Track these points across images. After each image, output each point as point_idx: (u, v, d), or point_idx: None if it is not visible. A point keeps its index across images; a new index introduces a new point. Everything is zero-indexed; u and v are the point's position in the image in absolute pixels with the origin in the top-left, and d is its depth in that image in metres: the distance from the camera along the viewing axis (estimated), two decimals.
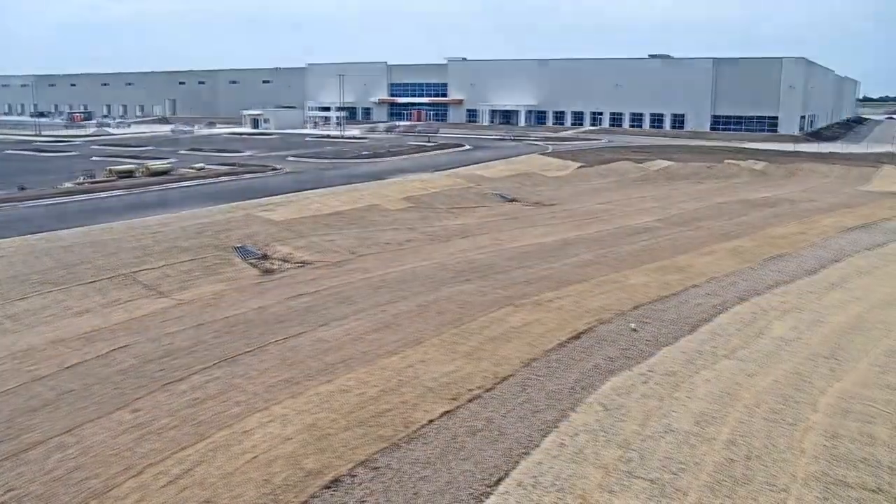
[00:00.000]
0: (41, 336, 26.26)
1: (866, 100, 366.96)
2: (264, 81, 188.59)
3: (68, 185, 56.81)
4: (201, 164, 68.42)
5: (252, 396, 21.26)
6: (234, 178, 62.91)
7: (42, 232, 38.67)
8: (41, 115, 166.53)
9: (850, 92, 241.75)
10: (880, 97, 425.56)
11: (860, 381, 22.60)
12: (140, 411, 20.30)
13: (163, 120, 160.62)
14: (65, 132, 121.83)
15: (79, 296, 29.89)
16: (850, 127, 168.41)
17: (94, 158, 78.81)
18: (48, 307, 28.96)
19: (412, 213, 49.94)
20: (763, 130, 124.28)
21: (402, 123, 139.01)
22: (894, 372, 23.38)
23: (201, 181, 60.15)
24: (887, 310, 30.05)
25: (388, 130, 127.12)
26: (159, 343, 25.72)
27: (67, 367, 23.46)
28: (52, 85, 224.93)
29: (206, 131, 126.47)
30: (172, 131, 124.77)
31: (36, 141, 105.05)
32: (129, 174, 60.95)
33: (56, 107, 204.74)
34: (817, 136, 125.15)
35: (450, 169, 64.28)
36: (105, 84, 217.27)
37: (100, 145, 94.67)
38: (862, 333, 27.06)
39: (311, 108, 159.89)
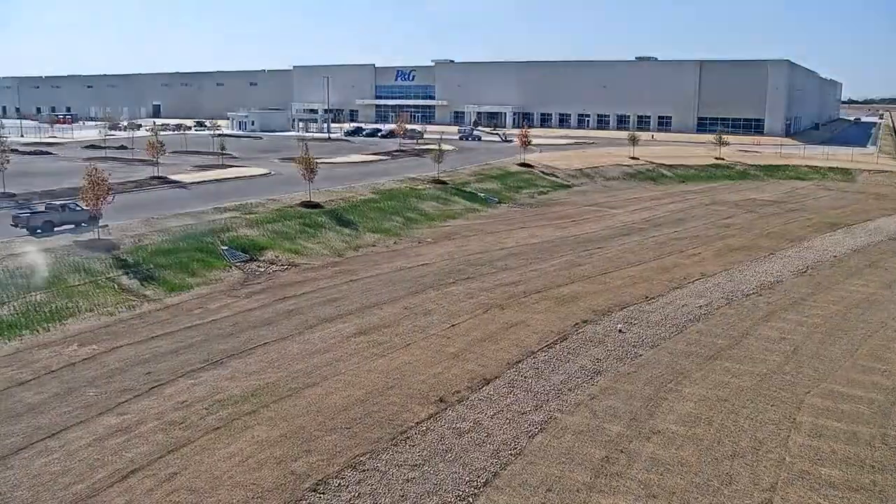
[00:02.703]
0: (26, 341, 26.03)
1: (851, 102, 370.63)
2: (250, 84, 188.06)
3: None
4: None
5: (239, 400, 21.20)
6: (220, 180, 62.61)
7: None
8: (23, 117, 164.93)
9: (834, 94, 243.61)
10: (865, 100, 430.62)
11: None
12: (126, 415, 20.20)
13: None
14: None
15: (63, 298, 29.62)
16: (834, 128, 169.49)
17: (79, 161, 78.18)
18: (35, 310, 28.74)
19: (399, 215, 49.82)
20: (749, 132, 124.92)
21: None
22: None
23: (190, 183, 59.82)
24: (867, 309, 30.36)
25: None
26: (146, 346, 25.59)
27: (51, 371, 23.29)
28: (36, 87, 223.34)
29: (192, 133, 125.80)
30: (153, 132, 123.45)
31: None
32: None
33: (39, 109, 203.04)
34: (802, 136, 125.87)
35: (435, 171, 64.25)
36: (89, 86, 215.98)
37: (82, 148, 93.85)
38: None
39: (298, 111, 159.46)
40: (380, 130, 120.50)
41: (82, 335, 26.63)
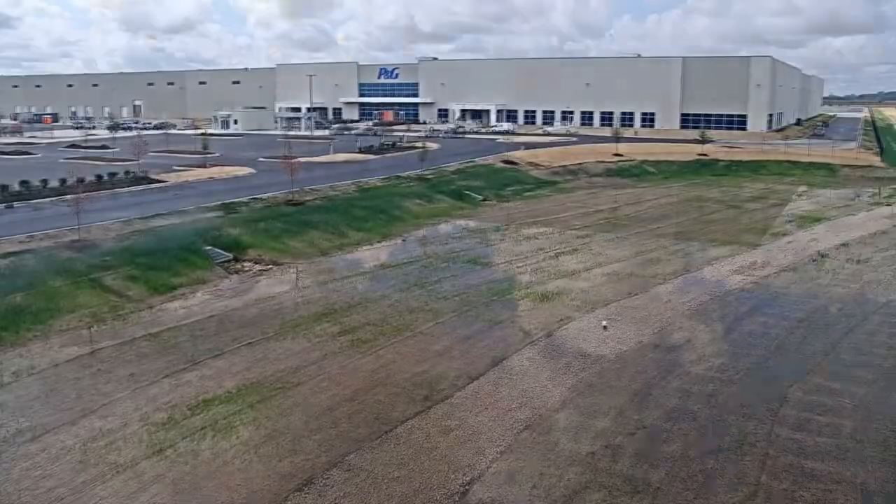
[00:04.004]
0: (6, 344, 25.76)
1: (832, 98, 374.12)
2: (234, 82, 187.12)
3: None
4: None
5: (224, 400, 21.09)
6: (203, 179, 62.27)
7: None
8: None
9: (816, 90, 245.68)
10: (845, 95, 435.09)
11: None
12: (110, 416, 20.05)
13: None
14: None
15: (44, 299, 29.33)
16: (815, 124, 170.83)
17: (60, 161, 77.60)
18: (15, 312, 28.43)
19: (384, 213, 49.69)
20: (732, 128, 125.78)
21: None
22: None
23: (172, 182, 59.46)
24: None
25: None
26: (129, 347, 25.41)
27: (32, 374, 23.07)
28: (16, 86, 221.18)
29: (174, 132, 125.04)
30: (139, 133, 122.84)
31: None
32: None
33: (15, 108, 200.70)
34: (784, 132, 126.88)
35: (418, 169, 64.39)
36: (70, 85, 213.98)
37: (65, 147, 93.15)
38: None
39: (281, 109, 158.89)
40: (358, 127, 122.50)
41: (64, 337, 26.38)
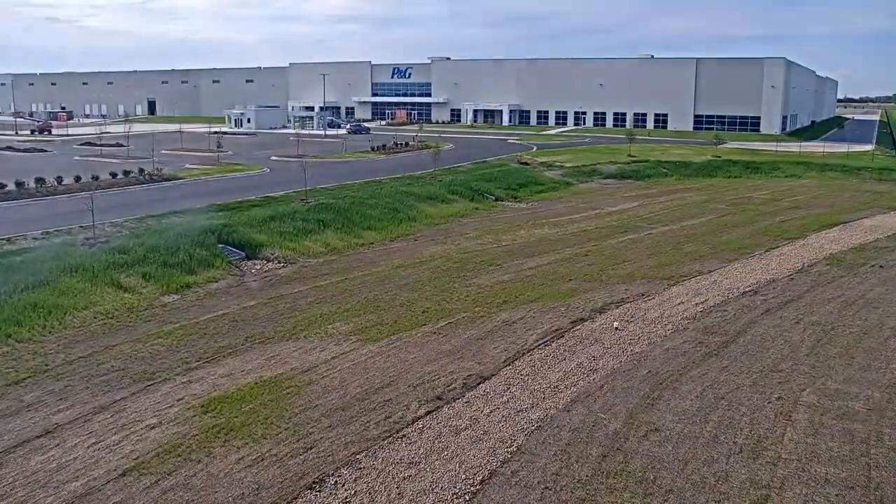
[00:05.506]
0: (21, 339, 25.95)
1: (847, 100, 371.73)
2: (247, 81, 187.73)
3: None
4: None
5: (236, 398, 21.15)
6: (216, 177, 62.61)
7: None
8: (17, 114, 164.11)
9: (831, 92, 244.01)
10: (861, 98, 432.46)
11: None
12: (123, 413, 20.17)
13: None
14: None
15: (57, 296, 29.55)
16: (829, 126, 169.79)
17: (75, 158, 78.18)
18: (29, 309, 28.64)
19: (397, 213, 49.72)
20: (745, 129, 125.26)
21: None
22: None
23: (186, 180, 59.78)
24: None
25: None
26: (142, 345, 25.54)
27: (46, 370, 23.23)
28: (31, 84, 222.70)
29: (188, 129, 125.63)
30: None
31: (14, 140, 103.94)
32: None
33: (31, 106, 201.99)
34: (799, 134, 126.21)
35: (431, 169, 64.47)
36: (85, 83, 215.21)
37: (78, 144, 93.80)
38: None
39: (294, 108, 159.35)
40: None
41: (77, 334, 26.56)
